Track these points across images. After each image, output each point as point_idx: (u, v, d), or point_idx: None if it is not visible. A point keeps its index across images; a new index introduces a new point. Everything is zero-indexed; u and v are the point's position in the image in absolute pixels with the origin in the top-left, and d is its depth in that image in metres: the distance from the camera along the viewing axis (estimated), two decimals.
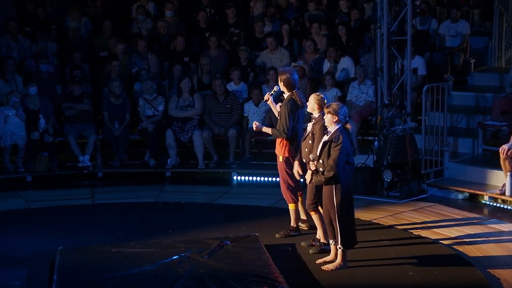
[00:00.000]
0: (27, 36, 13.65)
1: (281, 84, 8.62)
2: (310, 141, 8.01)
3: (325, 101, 8.02)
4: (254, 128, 8.93)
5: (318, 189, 7.97)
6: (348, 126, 7.60)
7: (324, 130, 7.78)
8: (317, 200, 8.09)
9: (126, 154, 12.35)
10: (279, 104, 8.71)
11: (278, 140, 8.76)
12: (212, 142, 12.06)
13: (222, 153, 12.27)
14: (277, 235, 8.86)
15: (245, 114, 12.19)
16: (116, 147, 12.18)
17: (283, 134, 8.52)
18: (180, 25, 14.19)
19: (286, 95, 8.62)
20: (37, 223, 9.70)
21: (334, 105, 7.66)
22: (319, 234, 8.39)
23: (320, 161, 7.60)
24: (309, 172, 7.98)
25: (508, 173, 9.94)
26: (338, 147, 7.46)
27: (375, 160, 10.87)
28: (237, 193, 11.12)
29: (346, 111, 7.66)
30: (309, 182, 8.04)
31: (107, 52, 13.33)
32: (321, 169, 7.57)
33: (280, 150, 8.71)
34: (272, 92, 8.84)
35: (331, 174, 7.49)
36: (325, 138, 7.63)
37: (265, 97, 8.79)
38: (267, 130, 8.82)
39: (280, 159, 8.72)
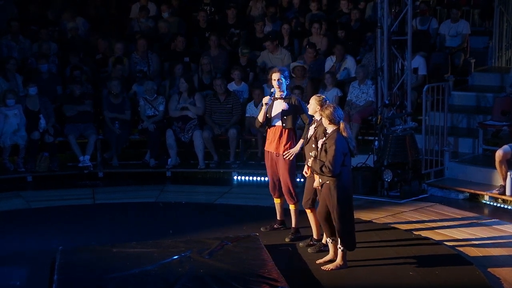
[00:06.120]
0: (28, 36, 13.65)
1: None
2: (313, 145, 7.87)
3: (327, 102, 7.92)
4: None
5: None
6: (342, 126, 7.56)
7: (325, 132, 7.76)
8: (314, 198, 8.08)
9: (125, 153, 12.33)
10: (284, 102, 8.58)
11: (280, 137, 8.58)
12: (213, 142, 12.05)
13: (222, 153, 12.26)
14: (286, 239, 8.74)
15: (247, 115, 12.17)
16: (115, 146, 12.15)
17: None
18: (180, 25, 14.19)
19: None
20: (37, 223, 9.69)
21: (328, 110, 7.58)
22: (315, 233, 8.39)
23: (312, 156, 7.62)
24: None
25: (509, 173, 9.95)
26: (333, 147, 7.46)
27: (376, 160, 10.87)
28: (237, 193, 11.12)
29: (341, 113, 7.64)
30: (309, 176, 8.01)
31: (102, 54, 13.31)
32: (316, 168, 7.58)
33: (283, 148, 8.57)
34: (271, 96, 8.73)
35: (329, 173, 7.49)
36: (322, 140, 7.64)
37: (264, 100, 8.68)
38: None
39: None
